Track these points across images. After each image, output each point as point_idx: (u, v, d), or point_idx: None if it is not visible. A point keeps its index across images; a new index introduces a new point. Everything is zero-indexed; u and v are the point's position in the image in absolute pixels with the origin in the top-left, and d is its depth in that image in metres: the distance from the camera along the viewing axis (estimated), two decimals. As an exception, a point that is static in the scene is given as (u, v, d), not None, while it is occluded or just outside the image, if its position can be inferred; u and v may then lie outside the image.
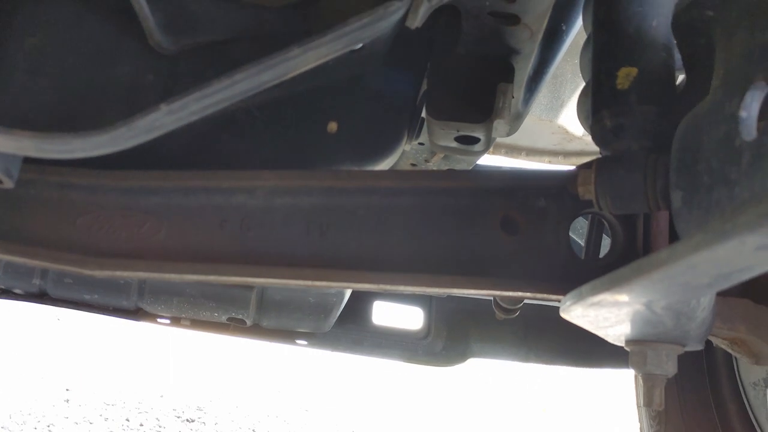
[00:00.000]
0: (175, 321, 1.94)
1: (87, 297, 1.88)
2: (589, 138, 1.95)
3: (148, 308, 1.87)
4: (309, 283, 0.93)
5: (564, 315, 0.80)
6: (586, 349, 1.89)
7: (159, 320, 1.92)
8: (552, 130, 1.80)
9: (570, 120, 1.80)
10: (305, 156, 1.09)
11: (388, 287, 0.95)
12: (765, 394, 1.01)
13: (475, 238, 0.95)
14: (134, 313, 1.90)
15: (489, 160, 2.07)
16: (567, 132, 1.82)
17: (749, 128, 0.59)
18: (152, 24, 0.80)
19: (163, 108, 0.70)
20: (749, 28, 0.62)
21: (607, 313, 0.76)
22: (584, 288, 0.69)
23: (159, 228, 0.97)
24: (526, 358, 1.99)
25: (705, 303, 0.73)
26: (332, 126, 1.07)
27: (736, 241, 0.46)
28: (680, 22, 0.71)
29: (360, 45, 0.77)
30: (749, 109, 0.60)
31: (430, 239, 0.95)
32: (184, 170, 0.96)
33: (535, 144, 1.89)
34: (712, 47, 0.71)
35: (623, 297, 0.64)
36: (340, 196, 0.97)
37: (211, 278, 0.93)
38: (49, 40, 0.88)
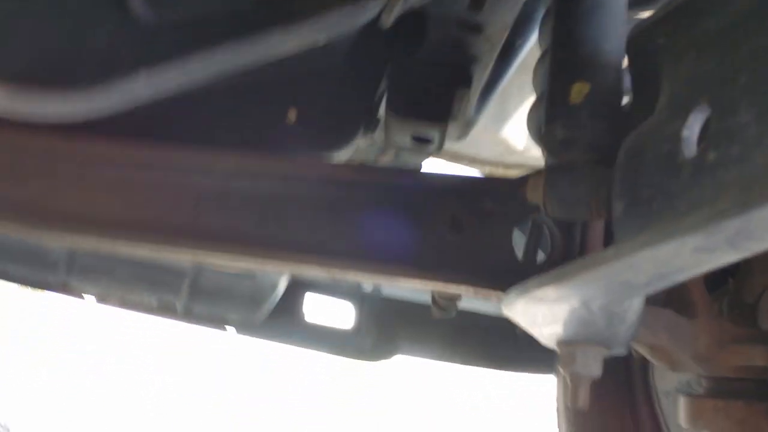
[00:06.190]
0: (103, 298, 1.90)
1: (10, 268, 1.82)
2: (528, 153, 2.04)
3: (75, 285, 1.83)
4: (259, 262, 0.95)
5: (506, 309, 0.85)
6: (508, 354, 2.04)
7: (85, 296, 1.87)
8: (495, 141, 1.86)
9: (512, 134, 1.87)
10: (262, 142, 1.10)
11: (338, 272, 0.97)
12: (676, 403, 1.10)
13: (423, 233, 0.99)
14: (60, 287, 1.84)
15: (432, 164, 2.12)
16: (508, 145, 1.89)
17: (691, 146, 0.65)
18: (134, -7, 0.80)
19: (143, 73, 0.70)
20: (695, 56, 0.68)
21: (546, 311, 0.81)
22: (530, 282, 0.74)
23: (112, 199, 0.96)
24: (450, 359, 2.07)
25: (636, 306, 0.79)
26: (291, 114, 1.09)
27: (678, 241, 0.51)
28: (634, 46, 0.77)
29: (336, 35, 0.79)
30: (692, 129, 0.66)
31: (380, 231, 0.99)
32: (142, 142, 0.96)
33: (478, 153, 1.95)
34: (659, 72, 0.78)
35: (566, 292, 0.69)
36: (298, 184, 0.99)
37: (163, 253, 0.94)
38: (22, 4, 0.86)
